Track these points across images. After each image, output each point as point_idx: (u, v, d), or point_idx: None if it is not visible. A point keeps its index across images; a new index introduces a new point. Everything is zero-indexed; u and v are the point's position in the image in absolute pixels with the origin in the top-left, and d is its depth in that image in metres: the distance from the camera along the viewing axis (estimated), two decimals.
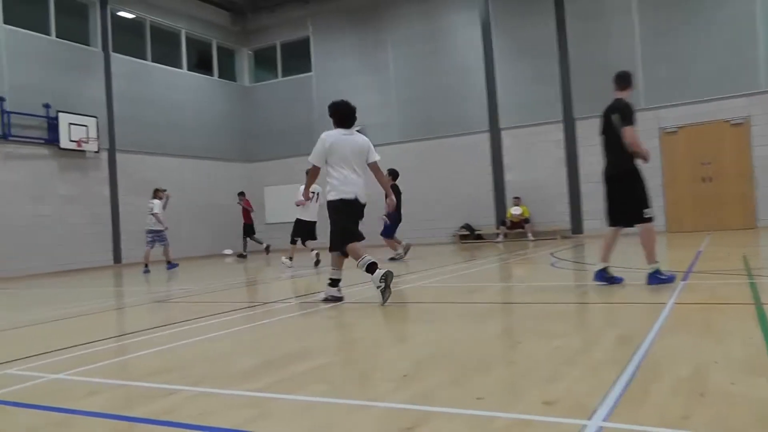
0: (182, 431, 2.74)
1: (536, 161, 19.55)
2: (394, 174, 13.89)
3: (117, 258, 19.69)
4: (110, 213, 19.62)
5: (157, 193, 16.11)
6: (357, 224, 6.94)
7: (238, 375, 3.77)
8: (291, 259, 13.67)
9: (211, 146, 23.25)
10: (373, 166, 7.30)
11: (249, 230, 19.77)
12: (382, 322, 5.78)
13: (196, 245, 22.07)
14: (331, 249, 6.98)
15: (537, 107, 19.53)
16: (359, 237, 6.85)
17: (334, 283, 7.02)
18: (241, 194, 20.03)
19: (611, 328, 4.56)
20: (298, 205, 13.13)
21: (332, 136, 7.21)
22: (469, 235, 20.38)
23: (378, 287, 6.39)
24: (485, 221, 20.50)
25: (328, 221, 6.96)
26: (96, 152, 18.95)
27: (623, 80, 7.11)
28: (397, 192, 13.34)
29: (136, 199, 20.06)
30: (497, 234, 19.75)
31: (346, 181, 6.89)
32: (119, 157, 19.91)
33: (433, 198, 21.10)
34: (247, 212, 19.70)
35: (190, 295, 9.12)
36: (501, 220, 19.91)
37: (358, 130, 21.97)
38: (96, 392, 3.59)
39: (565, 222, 19.21)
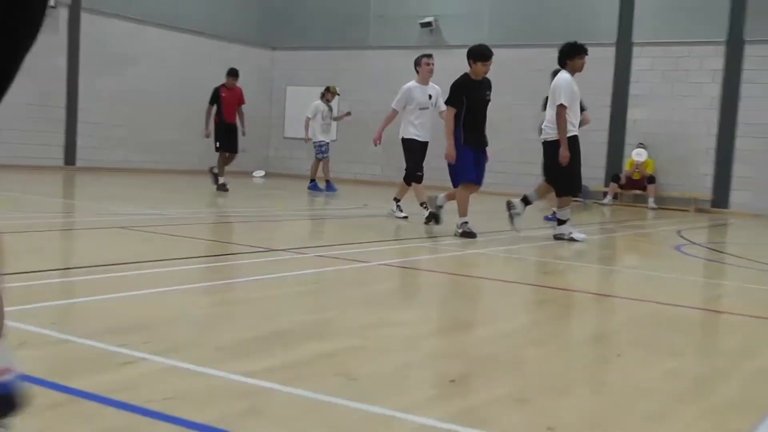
0: (139, 419, 2.81)
1: (678, 97, 19.14)
2: None
3: (70, 158, 20.03)
4: (65, 93, 19.84)
5: (325, 93, 17.43)
6: None
7: (227, 349, 3.85)
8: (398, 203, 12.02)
9: (219, 21, 23.27)
10: None
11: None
12: (436, 299, 5.84)
13: (183, 155, 22.19)
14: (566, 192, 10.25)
15: (691, 18, 19.02)
16: None
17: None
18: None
19: (751, 353, 4.55)
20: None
21: None
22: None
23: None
24: (589, 173, 20.19)
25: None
26: (53, 7, 18.94)
27: None
28: None
29: (105, 79, 20.31)
30: (604, 194, 19.60)
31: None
32: (85, 17, 20.04)
33: (526, 133, 20.84)
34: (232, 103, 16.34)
35: (183, 224, 9.27)
36: (613, 174, 19.68)
37: (424, 23, 21.94)
38: (29, 345, 3.69)
39: (704, 189, 18.94)
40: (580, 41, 19.58)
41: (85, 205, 11.68)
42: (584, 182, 19.98)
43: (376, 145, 12.62)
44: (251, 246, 7.86)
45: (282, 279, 6.20)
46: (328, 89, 17.54)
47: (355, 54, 23.27)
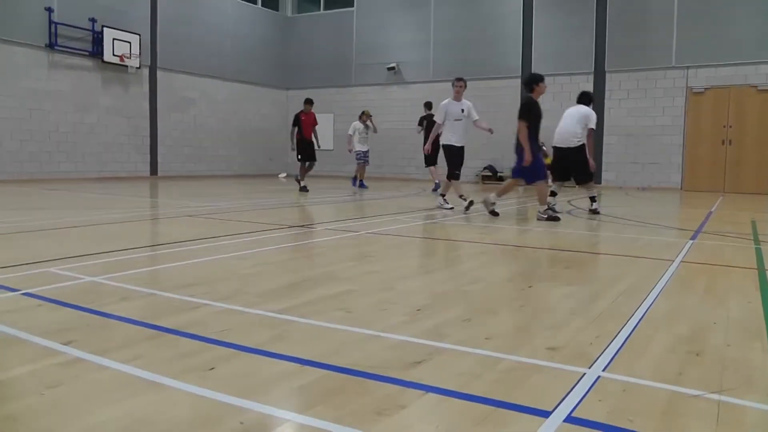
0: (205, 345, 2.81)
1: (564, 110, 19.06)
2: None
3: (153, 170, 19.88)
4: (149, 127, 19.69)
5: (361, 116, 16.50)
6: None
7: (262, 295, 3.84)
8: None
9: (249, 71, 23.07)
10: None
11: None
12: (406, 254, 5.83)
13: (229, 164, 22.33)
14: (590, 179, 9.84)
15: (570, 57, 19.09)
16: None
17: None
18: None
19: (618, 280, 4.57)
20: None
21: None
22: (492, 176, 20.28)
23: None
24: (508, 164, 20.29)
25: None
26: (137, 68, 18.92)
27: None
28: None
29: (174, 115, 20.37)
30: None
31: None
32: (160, 74, 19.85)
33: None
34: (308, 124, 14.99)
35: (225, 212, 9.22)
36: None
37: (390, 68, 21.05)
38: (128, 299, 3.68)
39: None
40: (495, 76, 19.91)
41: (165, 201, 11.58)
42: (505, 171, 20.23)
43: (427, 153, 11.54)
44: (278, 224, 7.83)
45: (300, 246, 6.19)
46: (363, 113, 16.62)
47: (343, 90, 23.18)
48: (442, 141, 10.24)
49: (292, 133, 14.70)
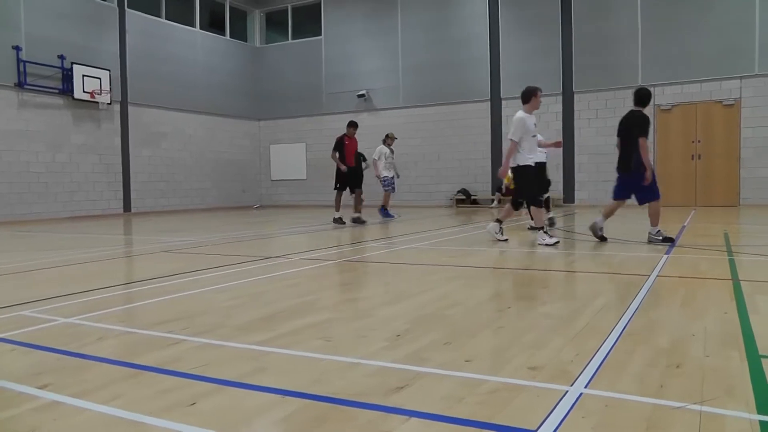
0: (185, 381, 2.78)
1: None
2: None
3: (127, 206, 19.72)
4: (121, 163, 19.56)
5: (385, 140, 14.96)
6: None
7: (241, 328, 3.81)
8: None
9: (220, 103, 23.08)
10: None
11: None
12: (384, 281, 5.82)
13: (203, 197, 22.24)
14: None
15: (538, 79, 19.18)
16: None
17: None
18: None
19: (596, 297, 4.60)
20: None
21: None
22: (466, 199, 20.42)
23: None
24: (481, 187, 20.53)
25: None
26: (108, 104, 18.83)
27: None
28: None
29: (146, 149, 20.30)
30: (492, 200, 19.78)
31: None
32: (131, 109, 19.79)
33: (433, 163, 21.13)
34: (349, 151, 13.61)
35: (201, 246, 9.15)
36: (497, 186, 19.89)
37: (360, 95, 20.58)
38: (105, 338, 3.63)
39: (557, 191, 19.17)
40: (464, 100, 20.17)
41: (139, 238, 11.47)
42: (478, 194, 20.40)
43: (503, 177, 10.02)
44: (254, 256, 7.78)
45: (277, 277, 6.15)
46: (387, 136, 15.13)
47: (314, 119, 23.27)
48: (519, 162, 8.64)
49: (334, 157, 13.25)
